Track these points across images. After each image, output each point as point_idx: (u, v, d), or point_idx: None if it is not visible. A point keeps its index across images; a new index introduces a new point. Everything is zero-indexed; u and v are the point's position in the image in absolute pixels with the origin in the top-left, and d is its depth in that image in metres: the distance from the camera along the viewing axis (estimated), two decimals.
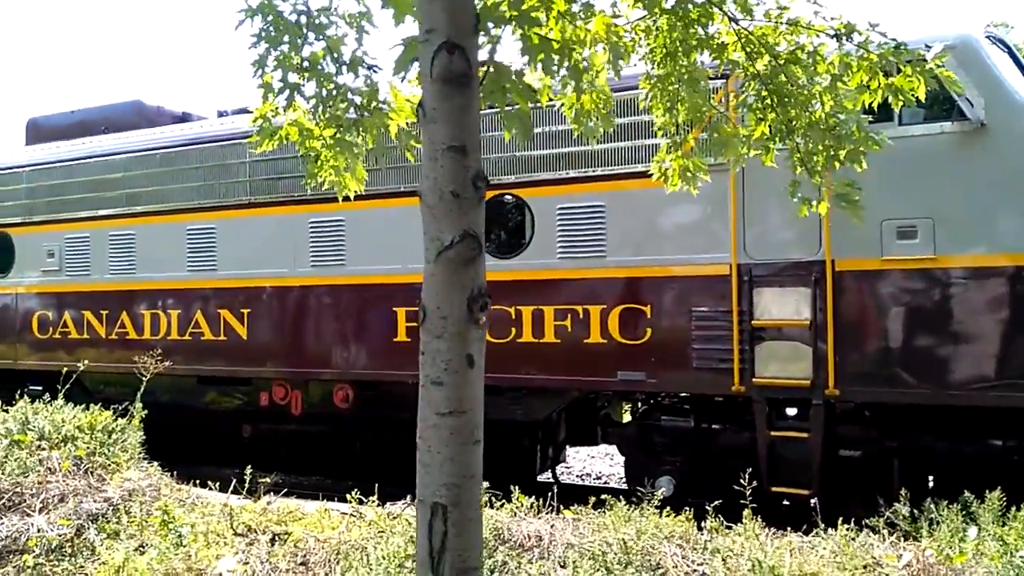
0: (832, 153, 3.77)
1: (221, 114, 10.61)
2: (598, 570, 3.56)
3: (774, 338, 6.52)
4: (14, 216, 10.59)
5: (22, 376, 10.52)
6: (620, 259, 7.07)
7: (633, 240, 7.05)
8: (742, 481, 4.88)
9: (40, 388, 10.15)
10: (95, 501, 5.58)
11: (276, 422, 8.92)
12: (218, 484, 6.93)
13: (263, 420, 9.01)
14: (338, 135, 3.62)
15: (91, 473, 6.13)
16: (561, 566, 3.97)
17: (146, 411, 6.79)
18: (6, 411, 6.95)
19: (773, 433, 6.54)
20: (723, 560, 3.88)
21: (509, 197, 7.66)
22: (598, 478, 10.19)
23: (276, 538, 5.00)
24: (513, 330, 7.48)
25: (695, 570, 3.78)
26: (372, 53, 3.27)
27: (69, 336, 10.08)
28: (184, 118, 11.04)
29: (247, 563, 4.41)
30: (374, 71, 3.33)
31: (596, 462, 11.02)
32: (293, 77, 3.30)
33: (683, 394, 7.17)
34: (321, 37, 3.15)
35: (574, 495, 7.57)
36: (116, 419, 6.98)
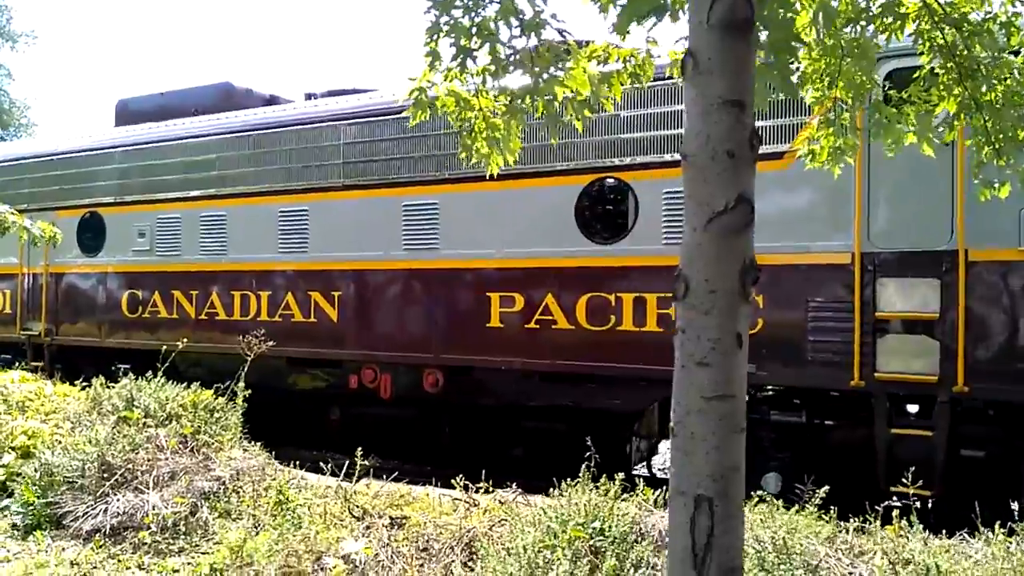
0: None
1: (309, 96, 10.58)
2: (753, 569, 3.35)
3: (898, 331, 6.19)
4: (106, 196, 10.74)
5: (108, 354, 10.69)
6: None
7: None
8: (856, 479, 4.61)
9: (127, 366, 10.34)
10: (206, 480, 5.55)
11: (364, 405, 8.87)
12: (307, 465, 6.91)
13: (351, 403, 8.97)
14: (508, 103, 3.46)
15: (196, 451, 6.12)
16: None
17: (248, 391, 6.74)
18: (110, 387, 6.99)
19: (893, 430, 6.22)
20: (889, 562, 3.63)
21: (611, 180, 7.44)
22: None
23: (394, 522, 4.89)
24: (613, 318, 7.28)
25: (850, 572, 3.54)
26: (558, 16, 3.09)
27: (158, 316, 10.18)
28: (272, 100, 11.06)
29: (369, 546, 4.30)
30: (564, 34, 3.14)
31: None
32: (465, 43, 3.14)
33: (792, 388, 6.85)
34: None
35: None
36: (217, 398, 6.99)
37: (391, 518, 4.93)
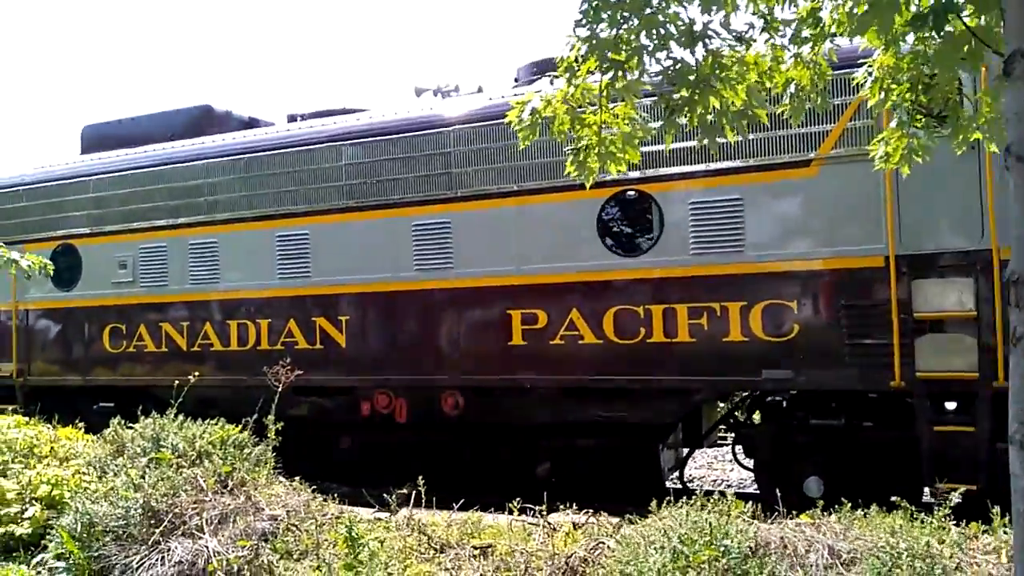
0: None
1: (292, 118, 10.30)
2: None
3: (936, 330, 6.31)
4: (80, 227, 10.22)
5: (89, 392, 10.16)
6: (761, 253, 6.85)
7: (775, 233, 6.83)
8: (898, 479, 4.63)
9: (111, 405, 9.83)
10: (261, 520, 5.26)
11: (378, 432, 8.61)
12: (337, 498, 6.66)
13: (364, 430, 8.70)
14: (634, 115, 3.38)
15: (237, 491, 5.81)
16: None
17: (281, 424, 6.44)
18: (130, 427, 6.60)
19: (937, 428, 6.33)
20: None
21: (632, 193, 7.42)
22: (715, 483, 9.93)
23: (480, 552, 4.71)
24: (643, 330, 7.24)
25: (990, 573, 3.55)
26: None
27: (146, 349, 9.71)
28: (252, 123, 10.72)
29: None
30: (736, 43, 3.09)
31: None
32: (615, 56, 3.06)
33: (831, 391, 6.92)
34: (666, 8, 2.90)
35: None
36: (241, 432, 6.68)
37: (475, 547, 4.76)
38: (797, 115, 4.22)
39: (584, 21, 3.01)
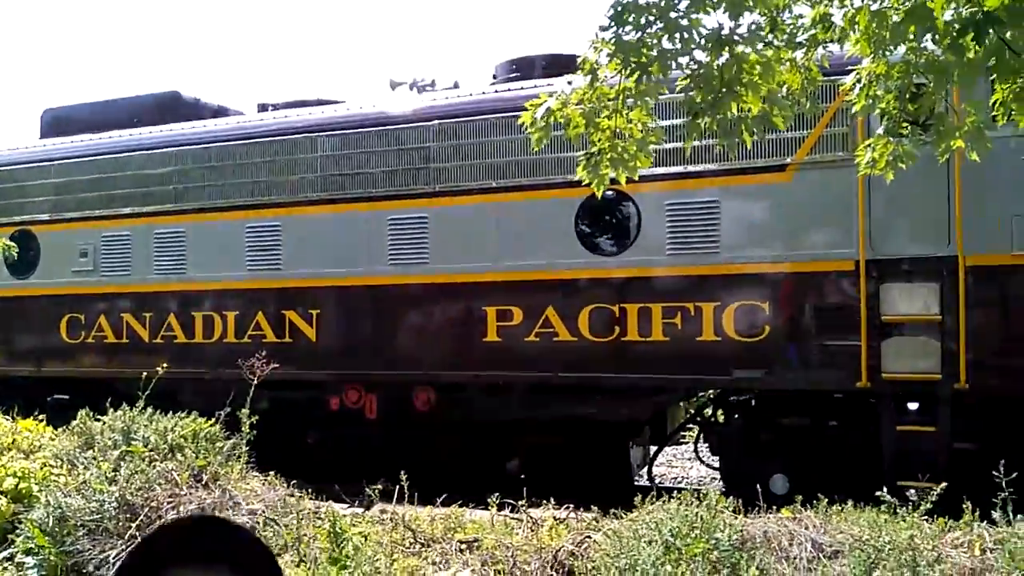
0: None
1: (263, 107, 10.14)
2: (899, 568, 3.44)
3: (902, 333, 6.52)
4: (39, 213, 9.92)
5: (43, 384, 9.87)
6: (735, 255, 6.99)
7: (749, 235, 6.97)
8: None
9: (66, 397, 9.57)
10: (240, 514, 5.20)
11: (346, 427, 8.54)
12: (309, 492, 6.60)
13: (331, 425, 8.61)
14: (648, 121, 3.44)
15: (211, 485, 5.72)
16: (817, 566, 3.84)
17: (255, 418, 6.35)
18: (98, 419, 6.44)
19: (900, 428, 6.54)
20: (981, 549, 3.82)
21: (610, 192, 7.48)
22: (675, 480, 10.08)
23: (466, 546, 4.73)
24: (617, 328, 7.32)
25: (971, 565, 3.70)
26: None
27: (105, 340, 9.48)
28: (220, 111, 10.53)
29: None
30: (759, 52, 3.15)
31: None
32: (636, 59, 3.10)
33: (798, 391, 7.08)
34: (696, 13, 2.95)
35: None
36: (213, 426, 6.57)
37: (461, 542, 4.77)
38: (786, 119, 4.32)
39: (610, 24, 3.04)
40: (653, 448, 8.40)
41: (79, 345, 9.61)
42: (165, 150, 9.26)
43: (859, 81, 4.52)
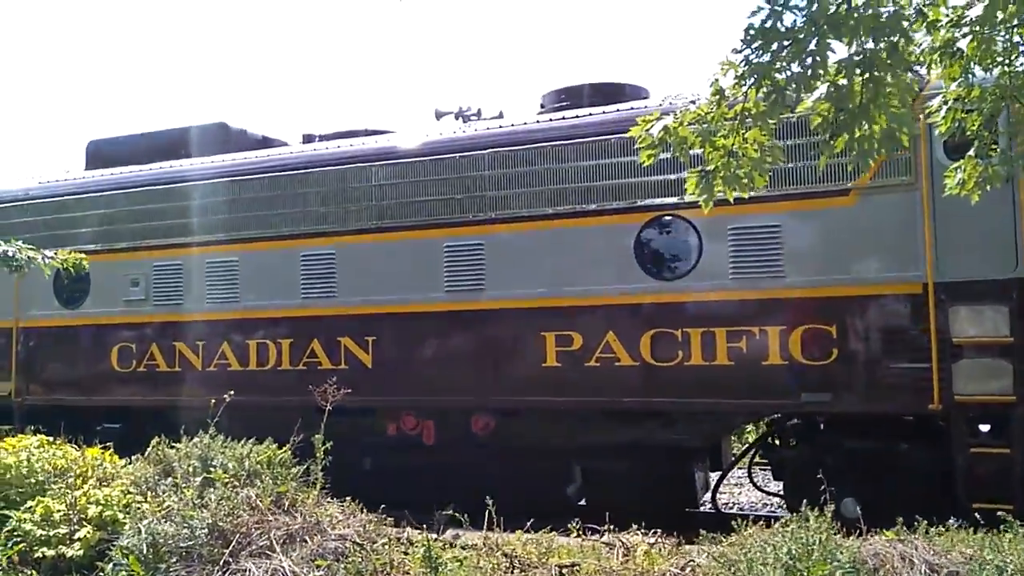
0: None
1: (308, 139, 10.26)
2: None
3: (973, 356, 6.53)
4: (89, 243, 9.99)
5: (92, 413, 9.86)
6: (800, 279, 7.03)
7: (815, 259, 7.01)
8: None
9: (117, 426, 9.57)
10: (331, 540, 5.19)
11: (403, 454, 8.53)
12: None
13: (388, 452, 8.60)
14: (765, 141, 3.50)
15: (294, 511, 5.72)
16: None
17: (330, 443, 6.36)
18: (173, 447, 6.45)
19: (973, 450, 6.52)
20: None
21: (668, 218, 7.56)
22: (726, 506, 10.00)
23: (563, 572, 4.71)
24: (680, 352, 7.34)
25: None
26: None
27: (157, 369, 9.51)
28: (266, 142, 10.65)
29: None
30: (913, 72, 3.23)
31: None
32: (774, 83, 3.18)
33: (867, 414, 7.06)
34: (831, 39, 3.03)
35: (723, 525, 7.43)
36: (285, 453, 6.59)
37: (558, 568, 4.76)
38: (909, 137, 4.29)
39: (743, 47, 3.12)
40: (714, 474, 8.36)
41: (130, 374, 9.64)
42: (215, 181, 9.35)
43: (945, 103, 4.61)
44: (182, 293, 9.45)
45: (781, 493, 9.01)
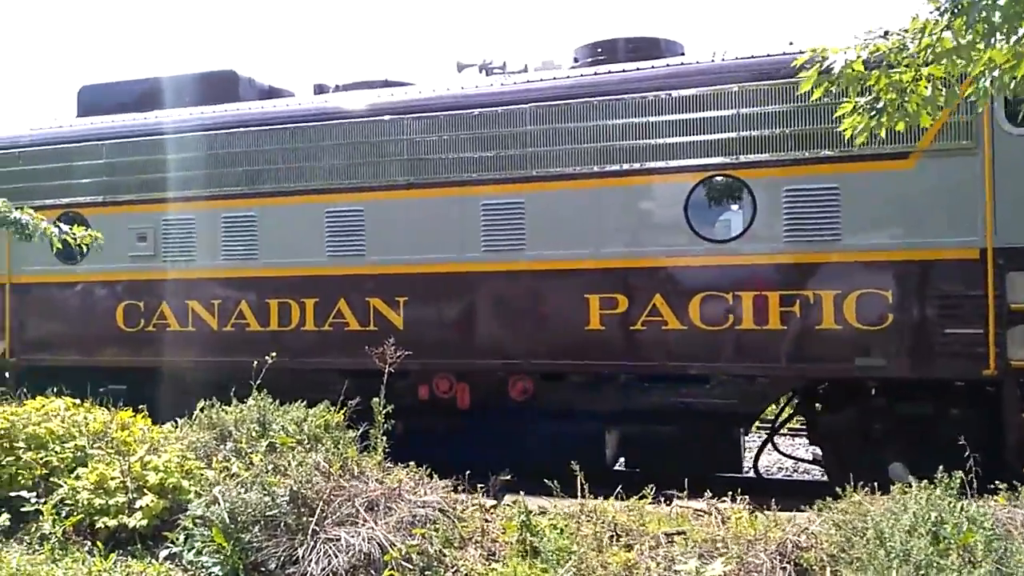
0: None
1: (321, 89, 9.82)
2: None
3: None
4: (89, 195, 9.44)
5: (94, 374, 9.39)
6: (856, 242, 6.97)
7: (872, 223, 6.95)
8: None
9: (123, 387, 9.15)
10: (417, 507, 4.99)
11: (438, 416, 8.32)
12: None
13: (421, 415, 8.37)
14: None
15: (363, 476, 5.49)
16: None
17: (391, 406, 6.13)
18: (224, 410, 6.14)
19: None
20: None
21: (720, 178, 7.41)
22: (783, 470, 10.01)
23: (670, 537, 4.61)
24: (731, 316, 7.26)
25: None
26: None
27: (168, 328, 9.08)
28: (273, 92, 10.16)
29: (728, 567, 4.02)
30: None
31: None
32: None
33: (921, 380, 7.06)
34: None
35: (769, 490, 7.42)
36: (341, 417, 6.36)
37: (666, 534, 4.65)
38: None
39: None
40: (760, 439, 8.36)
41: (137, 334, 9.19)
42: (233, 131, 8.87)
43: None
44: (194, 249, 9.00)
45: (808, 459, 9.10)
